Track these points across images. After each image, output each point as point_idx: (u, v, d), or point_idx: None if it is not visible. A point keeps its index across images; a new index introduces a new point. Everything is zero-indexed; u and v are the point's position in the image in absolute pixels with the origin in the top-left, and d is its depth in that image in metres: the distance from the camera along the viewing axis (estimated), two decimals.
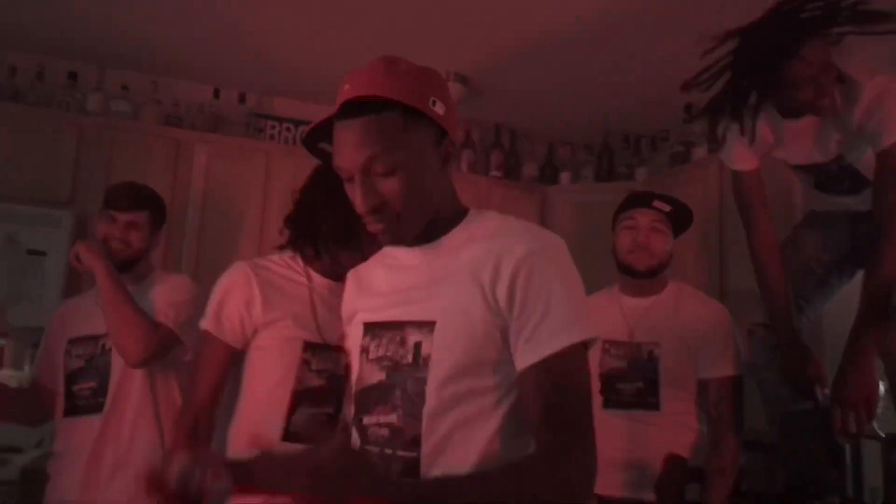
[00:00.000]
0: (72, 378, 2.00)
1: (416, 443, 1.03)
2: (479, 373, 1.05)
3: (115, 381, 1.96)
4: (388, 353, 1.09)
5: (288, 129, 3.53)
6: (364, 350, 1.13)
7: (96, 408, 1.95)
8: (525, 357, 1.03)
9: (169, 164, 3.16)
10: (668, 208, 2.15)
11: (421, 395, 1.04)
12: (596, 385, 2.05)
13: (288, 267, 1.60)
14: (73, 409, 1.98)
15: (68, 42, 3.19)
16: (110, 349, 1.96)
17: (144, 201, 2.08)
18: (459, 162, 3.63)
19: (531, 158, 3.83)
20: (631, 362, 2.08)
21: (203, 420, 1.51)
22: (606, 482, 1.88)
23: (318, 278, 1.60)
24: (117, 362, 1.96)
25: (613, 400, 2.07)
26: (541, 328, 1.02)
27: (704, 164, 3.23)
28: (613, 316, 2.15)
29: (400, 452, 1.04)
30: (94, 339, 2.01)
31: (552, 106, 3.57)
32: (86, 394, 1.97)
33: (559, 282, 1.05)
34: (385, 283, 1.18)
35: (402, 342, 1.08)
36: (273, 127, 3.52)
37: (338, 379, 1.53)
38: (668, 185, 3.38)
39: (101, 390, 1.97)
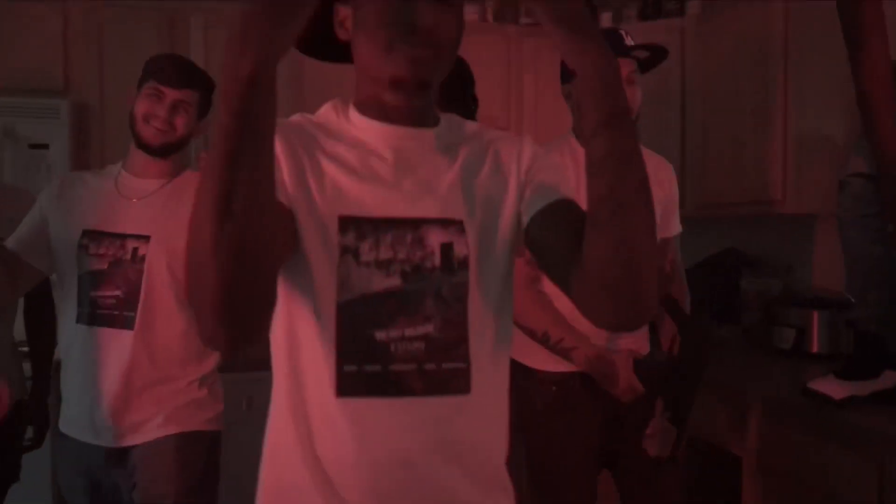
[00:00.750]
0: (89, 280, 1.74)
1: (463, 352, 0.94)
2: (511, 268, 1.01)
3: (146, 293, 1.74)
4: (400, 256, 0.93)
5: None
6: (348, 250, 0.92)
7: (123, 322, 1.74)
8: (544, 198, 0.98)
9: (164, 41, 2.90)
10: (645, 55, 1.84)
11: (461, 301, 0.94)
12: None
13: None
14: (91, 318, 1.75)
15: None
16: (143, 257, 1.74)
17: (197, 79, 1.81)
18: (484, 13, 3.24)
19: None
20: None
21: None
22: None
23: None
24: (151, 274, 1.74)
25: None
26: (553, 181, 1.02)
27: None
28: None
29: (445, 365, 0.93)
30: (120, 238, 1.76)
31: None
32: (109, 303, 1.74)
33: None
34: (359, 165, 0.95)
35: (420, 243, 0.94)
36: None
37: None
38: (726, 18, 2.95)
39: (129, 303, 1.74)
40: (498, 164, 1.01)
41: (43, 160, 2.76)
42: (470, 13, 3.21)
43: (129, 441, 1.75)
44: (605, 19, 3.32)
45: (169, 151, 1.80)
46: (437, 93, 0.98)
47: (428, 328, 0.92)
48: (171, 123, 1.76)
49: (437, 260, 0.94)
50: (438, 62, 0.92)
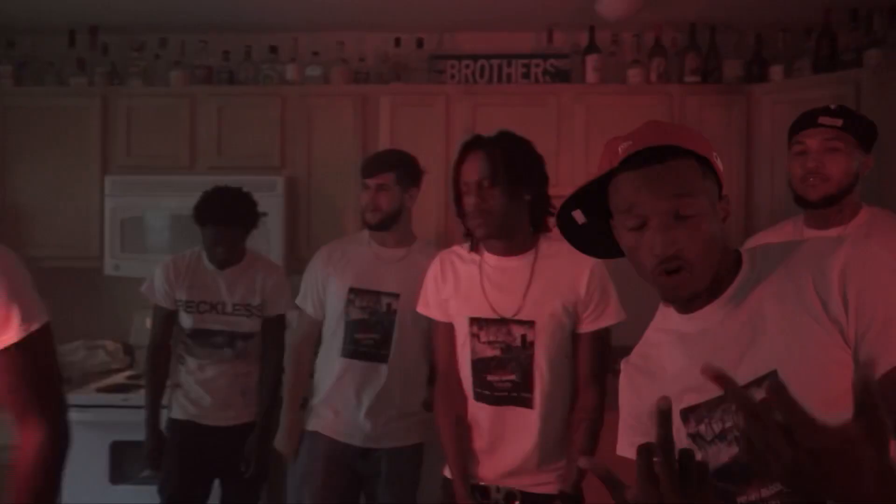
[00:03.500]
0: (353, 326, 2.37)
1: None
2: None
3: (397, 339, 2.35)
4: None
5: (467, 65, 3.51)
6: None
7: (380, 357, 2.35)
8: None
9: (358, 120, 3.37)
10: (838, 122, 1.92)
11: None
12: None
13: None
14: (354, 353, 2.37)
15: (268, 17, 3.47)
16: (395, 311, 2.34)
17: (389, 163, 2.35)
18: (648, 73, 3.34)
19: (735, 55, 3.37)
20: None
21: (453, 380, 2.03)
22: None
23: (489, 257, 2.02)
24: (401, 323, 2.34)
25: None
26: None
27: None
28: None
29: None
30: (376, 295, 2.36)
31: None
32: (368, 342, 2.36)
33: None
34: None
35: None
36: (453, 66, 3.53)
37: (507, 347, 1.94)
38: None
39: (384, 343, 2.34)
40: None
41: (263, 226, 3.34)
42: (633, 76, 3.34)
43: (375, 445, 2.38)
44: (776, 72, 3.26)
45: (386, 225, 2.36)
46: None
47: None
48: (375, 205, 2.33)
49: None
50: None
